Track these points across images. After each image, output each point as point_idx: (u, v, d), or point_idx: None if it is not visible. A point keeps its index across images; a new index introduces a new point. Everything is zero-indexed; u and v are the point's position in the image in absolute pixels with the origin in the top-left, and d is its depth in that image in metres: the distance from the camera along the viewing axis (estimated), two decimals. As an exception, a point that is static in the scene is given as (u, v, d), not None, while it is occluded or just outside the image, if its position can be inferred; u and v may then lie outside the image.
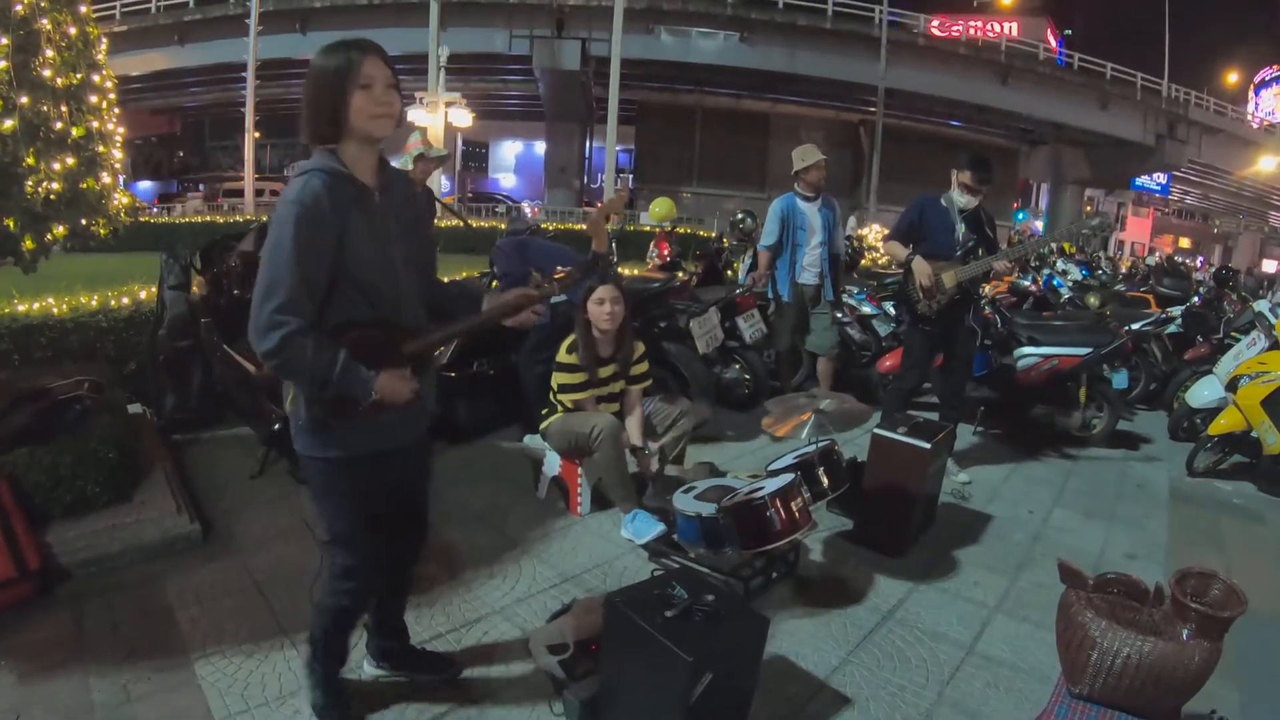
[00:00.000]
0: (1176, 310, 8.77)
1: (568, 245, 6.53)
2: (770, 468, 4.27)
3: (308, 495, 4.43)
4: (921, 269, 5.09)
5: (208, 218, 23.62)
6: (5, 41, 3.97)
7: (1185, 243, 59.36)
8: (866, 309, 7.97)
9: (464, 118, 23.54)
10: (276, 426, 4.73)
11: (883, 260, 13.44)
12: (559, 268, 2.64)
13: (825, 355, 6.69)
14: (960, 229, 5.17)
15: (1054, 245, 13.45)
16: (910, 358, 5.53)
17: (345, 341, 2.27)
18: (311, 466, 2.49)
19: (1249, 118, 43.98)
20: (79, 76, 4.47)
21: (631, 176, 43.45)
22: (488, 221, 22.85)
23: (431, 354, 2.53)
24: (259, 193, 28.76)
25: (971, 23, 47.16)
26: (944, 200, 5.24)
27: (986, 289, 6.99)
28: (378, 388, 2.29)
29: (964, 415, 6.07)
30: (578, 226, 20.77)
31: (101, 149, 4.65)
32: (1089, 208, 45.39)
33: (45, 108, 4.15)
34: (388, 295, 2.40)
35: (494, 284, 6.12)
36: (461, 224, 3.42)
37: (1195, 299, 9.25)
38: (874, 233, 16.42)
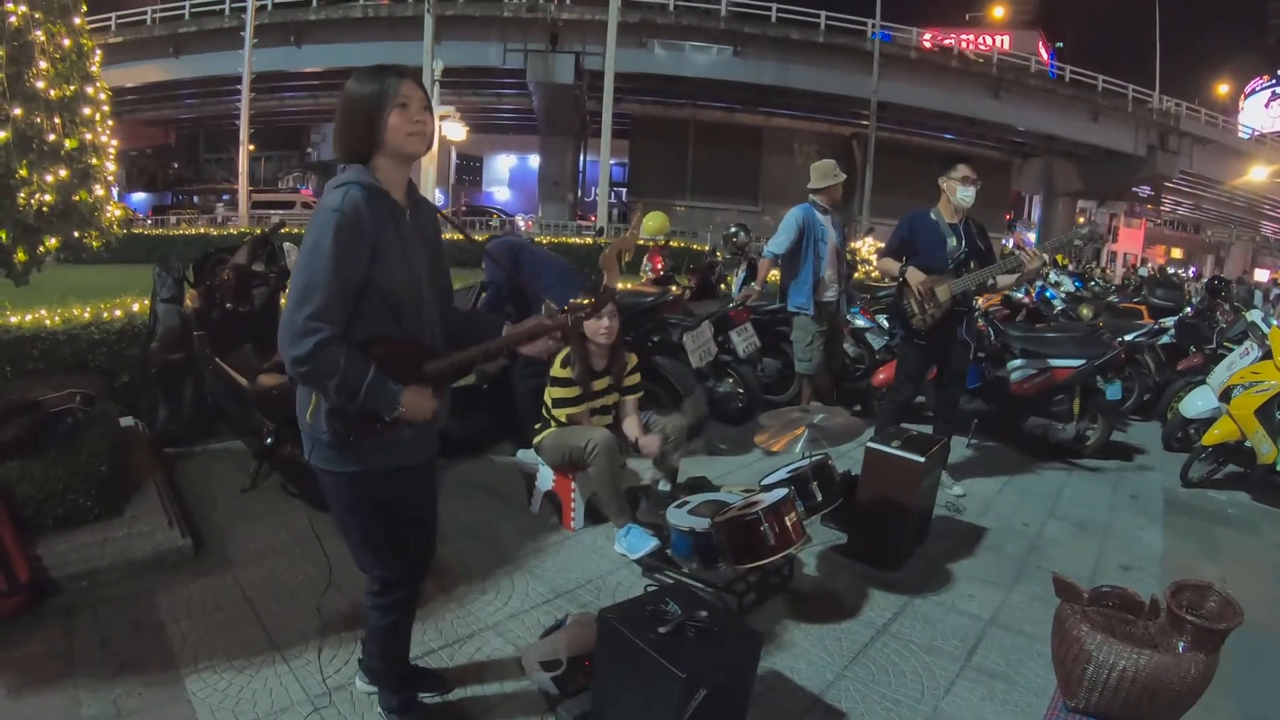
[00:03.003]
0: (1169, 321, 8.80)
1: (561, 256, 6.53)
2: (764, 482, 4.27)
3: (305, 508, 4.48)
4: (916, 277, 5.10)
5: (203, 229, 23.62)
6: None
7: (1177, 253, 59.55)
8: (860, 322, 7.98)
9: (458, 131, 23.64)
10: (269, 440, 4.72)
11: (875, 274, 13.46)
12: (571, 299, 2.63)
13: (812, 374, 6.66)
14: (951, 242, 5.19)
15: (1047, 257, 13.48)
16: (904, 371, 5.53)
17: (371, 355, 2.28)
18: (330, 481, 2.49)
19: (1239, 128, 44.22)
20: (72, 88, 4.45)
21: (625, 191, 43.55)
22: (482, 235, 22.90)
23: (450, 375, 2.54)
24: (289, 204, 29.03)
25: (963, 36, 47.53)
26: (933, 214, 5.26)
27: (979, 301, 6.99)
28: (403, 403, 2.30)
29: (958, 428, 6.08)
30: (571, 240, 20.81)
31: (94, 161, 4.63)
32: (1081, 219, 45.59)
33: (38, 119, 4.14)
34: (411, 312, 2.42)
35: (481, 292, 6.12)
36: (463, 237, 3.40)
37: (1188, 309, 9.27)
38: (867, 246, 16.45)
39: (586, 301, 2.64)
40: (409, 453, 2.53)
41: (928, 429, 5.19)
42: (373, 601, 2.69)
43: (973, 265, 5.16)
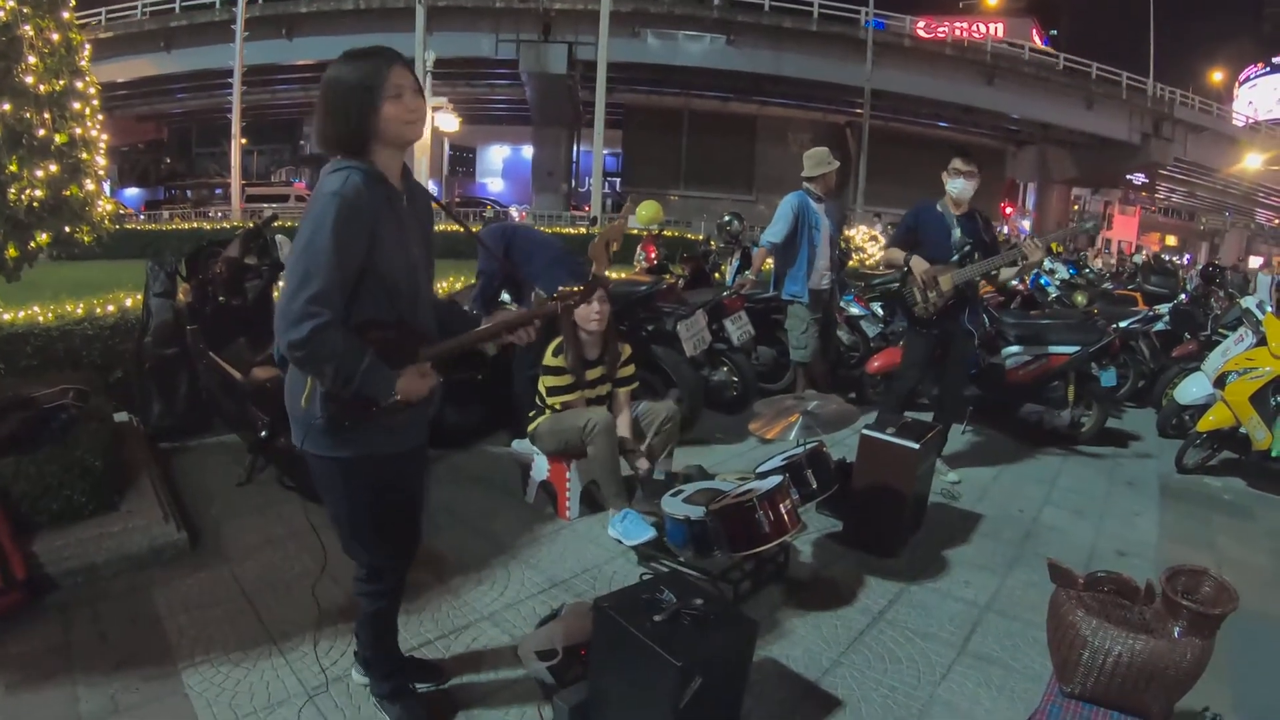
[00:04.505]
0: (1164, 308, 8.80)
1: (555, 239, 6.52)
2: (759, 470, 4.26)
3: (300, 500, 4.48)
4: (920, 266, 5.15)
5: (195, 224, 23.55)
6: (-13, 48, 3.95)
7: (1172, 240, 59.61)
8: (854, 310, 7.98)
9: (451, 123, 23.52)
10: (263, 433, 4.71)
11: (870, 262, 13.47)
12: (560, 288, 2.62)
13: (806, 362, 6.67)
14: (956, 233, 5.24)
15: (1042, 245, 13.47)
16: (908, 359, 5.57)
17: (368, 340, 2.28)
18: (324, 467, 2.49)
19: (1234, 116, 44.20)
20: (61, 83, 4.44)
21: (619, 181, 43.50)
22: (475, 226, 22.86)
23: (443, 362, 2.53)
24: (282, 198, 29.13)
25: (957, 24, 47.44)
26: (939, 205, 5.33)
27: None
28: (399, 387, 2.31)
29: (958, 416, 6.10)
30: (565, 230, 20.79)
31: (85, 156, 4.62)
32: (1076, 206, 45.64)
33: (28, 114, 4.13)
34: (407, 297, 2.42)
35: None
36: (462, 230, 3.36)
37: (1182, 296, 9.28)
38: (861, 234, 16.42)
39: (576, 289, 2.64)
40: (401, 439, 2.53)
41: (926, 417, 5.21)
42: (361, 589, 2.70)
43: (976, 256, 5.19)
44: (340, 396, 2.30)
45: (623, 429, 4.55)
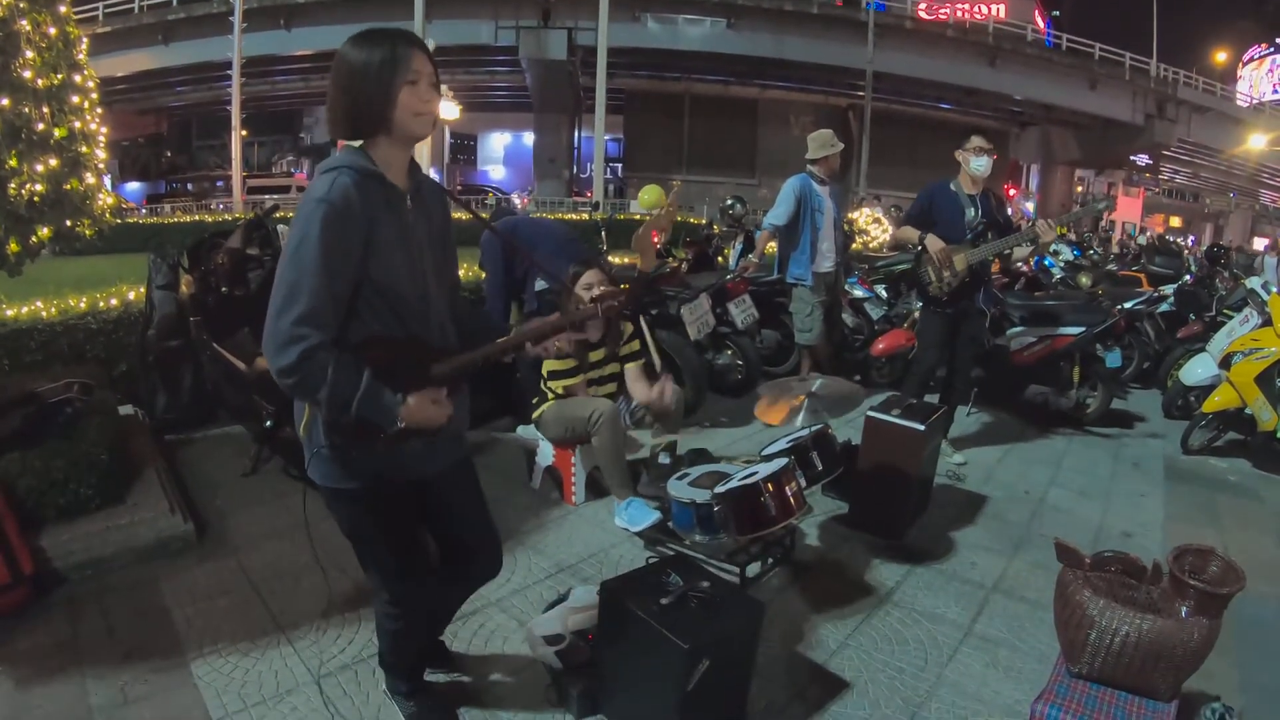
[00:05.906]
0: (1169, 289, 8.76)
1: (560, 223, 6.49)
2: (764, 452, 4.26)
3: (304, 491, 4.48)
4: (935, 245, 5.15)
5: (197, 217, 23.52)
6: (-15, 43, 3.93)
7: (1176, 222, 59.29)
8: (859, 292, 7.97)
9: (451, 110, 23.49)
10: (268, 423, 4.71)
11: (873, 244, 13.42)
12: (601, 289, 2.49)
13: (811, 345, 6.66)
14: (970, 212, 5.25)
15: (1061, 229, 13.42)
16: (925, 339, 5.59)
17: (368, 360, 2.05)
18: (331, 498, 2.31)
19: (1238, 96, 43.94)
20: (60, 77, 4.42)
21: (621, 166, 43.45)
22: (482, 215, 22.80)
23: (461, 377, 2.30)
24: (284, 189, 29.20)
25: (959, 5, 47.15)
26: (953, 185, 5.33)
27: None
28: (405, 414, 2.07)
29: (965, 397, 6.10)
30: (568, 216, 20.77)
31: (84, 149, 4.60)
32: (1079, 188, 45.45)
33: (26, 109, 4.11)
34: (415, 309, 2.19)
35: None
36: (471, 217, 3.30)
37: (1187, 277, 9.24)
38: (865, 216, 16.33)
39: (620, 288, 2.55)
40: (421, 462, 2.32)
41: (933, 396, 5.22)
42: (384, 610, 2.56)
43: (990, 236, 5.19)
44: (340, 425, 2.10)
45: (642, 396, 4.54)
